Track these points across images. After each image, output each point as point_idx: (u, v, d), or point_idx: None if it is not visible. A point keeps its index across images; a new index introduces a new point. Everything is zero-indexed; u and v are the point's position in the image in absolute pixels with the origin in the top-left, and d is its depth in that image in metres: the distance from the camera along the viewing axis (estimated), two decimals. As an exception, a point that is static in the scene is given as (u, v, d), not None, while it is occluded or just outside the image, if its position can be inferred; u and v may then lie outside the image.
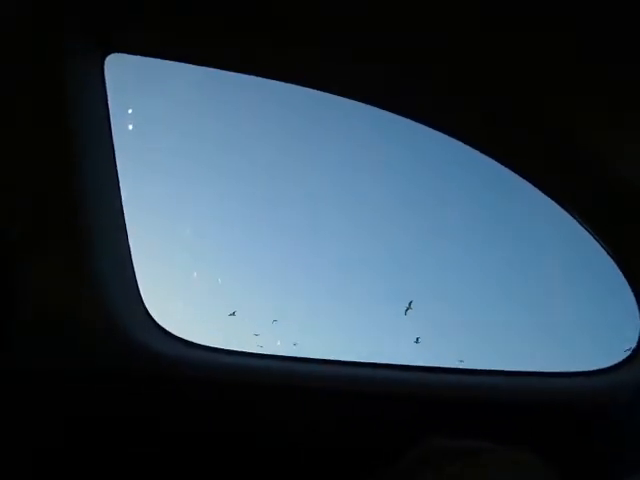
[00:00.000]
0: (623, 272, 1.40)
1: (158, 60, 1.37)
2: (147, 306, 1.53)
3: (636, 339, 1.47)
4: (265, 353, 1.55)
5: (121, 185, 1.43)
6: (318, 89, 1.32)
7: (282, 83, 1.33)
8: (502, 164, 1.32)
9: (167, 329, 1.54)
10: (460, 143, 1.32)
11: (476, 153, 1.33)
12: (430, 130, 1.33)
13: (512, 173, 1.34)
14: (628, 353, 1.48)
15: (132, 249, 1.48)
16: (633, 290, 1.41)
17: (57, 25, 1.22)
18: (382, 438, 1.42)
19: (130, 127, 1.50)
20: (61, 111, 1.27)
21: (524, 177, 1.34)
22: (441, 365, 1.53)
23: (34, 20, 1.21)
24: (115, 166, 1.40)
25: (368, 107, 1.35)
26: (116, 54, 1.33)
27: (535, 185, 1.35)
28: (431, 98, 1.30)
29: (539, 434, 1.39)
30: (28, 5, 1.20)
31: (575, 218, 1.37)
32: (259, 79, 1.35)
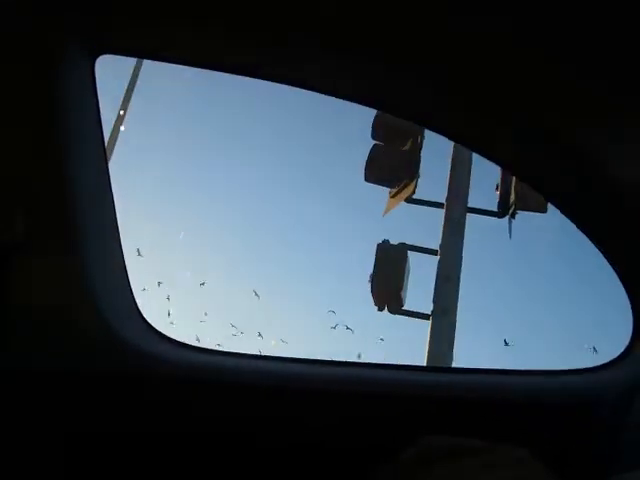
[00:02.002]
0: (617, 273, 1.42)
1: (151, 62, 1.36)
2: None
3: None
4: (261, 354, 1.56)
5: (113, 186, 1.42)
6: (315, 90, 1.31)
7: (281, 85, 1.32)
8: (502, 167, 1.33)
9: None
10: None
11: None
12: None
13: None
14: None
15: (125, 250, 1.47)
16: (626, 289, 1.43)
17: (47, 26, 1.19)
18: (378, 437, 1.43)
19: (122, 128, 1.48)
20: (51, 113, 1.25)
21: (524, 180, 1.35)
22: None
23: (23, 21, 1.19)
24: (107, 168, 1.39)
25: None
26: (107, 55, 1.32)
27: (536, 189, 1.36)
28: (432, 100, 1.29)
29: (529, 432, 1.41)
30: (16, 6, 1.18)
31: (573, 220, 1.39)
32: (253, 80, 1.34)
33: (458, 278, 5.93)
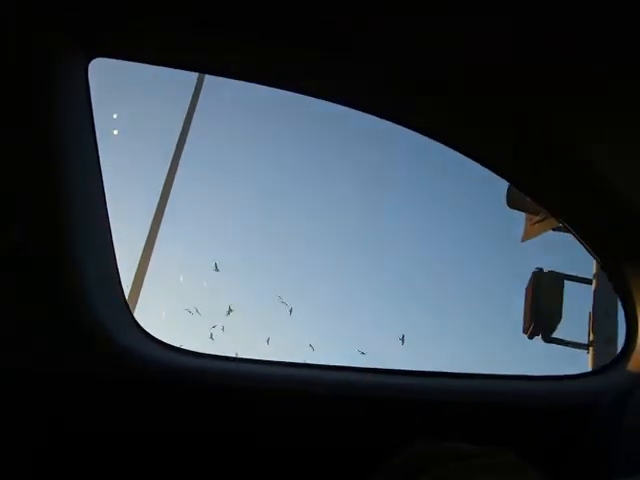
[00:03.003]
0: (611, 280, 1.43)
1: (144, 65, 1.36)
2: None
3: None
4: (255, 358, 1.55)
5: (105, 190, 1.42)
6: (315, 97, 1.31)
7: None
8: (501, 177, 1.33)
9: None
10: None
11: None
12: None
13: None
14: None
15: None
16: (619, 296, 1.44)
17: (40, 28, 1.18)
18: (372, 441, 1.42)
19: (115, 132, 1.48)
20: (44, 116, 1.24)
21: (525, 192, 1.35)
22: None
23: (17, 23, 1.18)
24: (100, 171, 1.38)
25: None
26: (100, 58, 1.31)
27: (536, 201, 1.37)
28: (431, 102, 1.29)
29: (525, 437, 1.41)
30: (11, 8, 1.18)
31: (568, 226, 1.39)
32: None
33: (616, 307, 5.84)
